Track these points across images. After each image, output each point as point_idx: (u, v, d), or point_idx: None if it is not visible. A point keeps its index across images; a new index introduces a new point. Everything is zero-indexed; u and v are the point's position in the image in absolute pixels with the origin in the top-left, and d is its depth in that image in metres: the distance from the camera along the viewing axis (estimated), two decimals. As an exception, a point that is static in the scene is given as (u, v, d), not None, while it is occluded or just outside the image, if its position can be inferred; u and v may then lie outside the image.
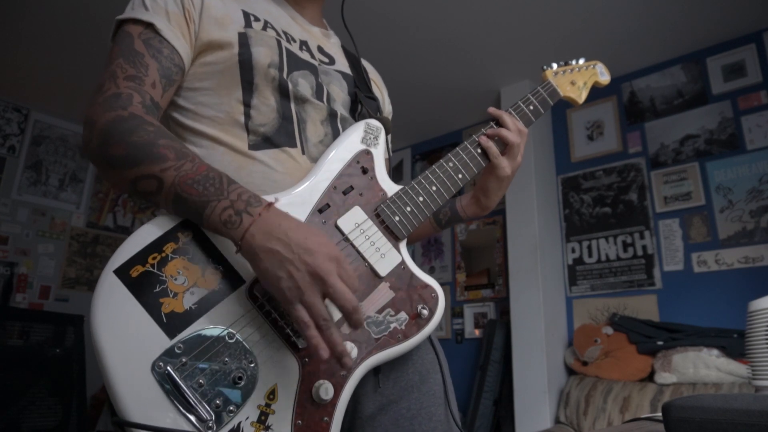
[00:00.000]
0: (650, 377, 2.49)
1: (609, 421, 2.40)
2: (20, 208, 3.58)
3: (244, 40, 0.84)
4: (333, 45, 1.03)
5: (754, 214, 2.57)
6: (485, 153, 0.92)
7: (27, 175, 3.64)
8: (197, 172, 0.69)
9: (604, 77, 1.13)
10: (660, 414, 0.69)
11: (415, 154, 4.10)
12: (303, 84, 0.88)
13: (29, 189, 3.64)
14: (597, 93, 3.16)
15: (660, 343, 2.50)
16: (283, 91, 0.85)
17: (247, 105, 0.83)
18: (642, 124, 3.02)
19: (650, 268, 2.80)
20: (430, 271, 3.72)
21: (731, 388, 2.22)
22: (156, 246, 0.68)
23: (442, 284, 0.82)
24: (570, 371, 2.87)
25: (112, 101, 0.72)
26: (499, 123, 0.94)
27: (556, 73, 1.06)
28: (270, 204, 0.69)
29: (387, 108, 1.10)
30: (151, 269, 0.66)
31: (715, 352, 2.33)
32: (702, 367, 2.32)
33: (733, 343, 2.32)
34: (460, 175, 0.89)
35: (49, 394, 2.70)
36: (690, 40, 2.85)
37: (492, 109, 0.95)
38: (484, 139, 0.92)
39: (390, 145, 1.06)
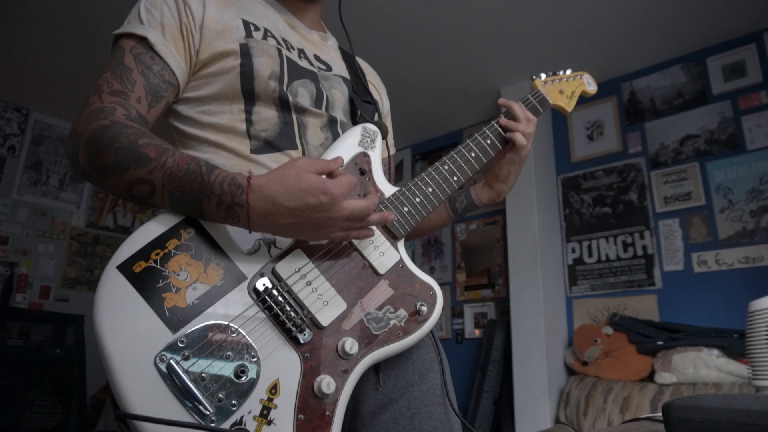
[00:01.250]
0: (650, 377, 2.49)
1: (609, 421, 2.40)
2: (20, 208, 3.58)
3: (245, 50, 0.84)
4: (330, 49, 1.03)
5: (755, 214, 2.58)
6: (482, 153, 0.97)
7: (27, 175, 3.65)
8: (179, 167, 0.69)
9: (591, 87, 1.17)
10: (660, 414, 0.70)
11: (415, 154, 4.10)
12: (302, 93, 0.88)
13: (29, 189, 3.65)
14: (597, 93, 3.17)
15: (660, 343, 2.50)
16: (283, 103, 0.86)
17: (248, 113, 0.85)
18: (642, 124, 3.03)
19: (650, 268, 2.80)
20: (430, 271, 3.72)
21: (731, 388, 2.22)
22: (159, 242, 0.69)
23: (442, 284, 0.84)
24: (570, 371, 2.87)
25: (94, 114, 0.73)
26: (510, 112, 1.00)
27: (545, 82, 1.10)
28: (248, 186, 0.68)
29: (385, 108, 1.11)
30: (154, 265, 0.67)
31: (716, 352, 2.33)
32: (702, 367, 2.32)
33: (734, 343, 2.32)
34: (455, 177, 0.93)
35: (49, 394, 2.70)
36: (690, 40, 2.85)
37: (502, 100, 1.02)
38: (513, 124, 0.97)
39: (392, 143, 1.07)
